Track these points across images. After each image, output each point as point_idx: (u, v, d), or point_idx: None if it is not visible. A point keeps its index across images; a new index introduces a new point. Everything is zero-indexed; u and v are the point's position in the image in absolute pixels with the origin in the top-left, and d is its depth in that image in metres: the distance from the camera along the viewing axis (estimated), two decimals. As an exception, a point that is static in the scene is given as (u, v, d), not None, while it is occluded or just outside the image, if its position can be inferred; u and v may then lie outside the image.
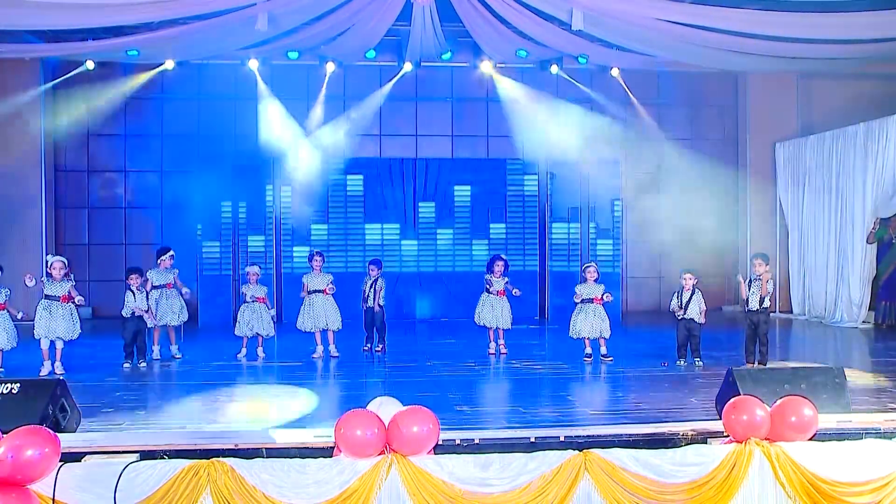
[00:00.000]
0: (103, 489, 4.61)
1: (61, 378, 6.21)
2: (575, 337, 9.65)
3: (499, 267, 10.23)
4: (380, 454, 4.78)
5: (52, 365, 8.77)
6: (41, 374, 8.58)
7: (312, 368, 9.35)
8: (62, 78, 14.70)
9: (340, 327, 10.04)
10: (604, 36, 13.25)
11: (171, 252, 10.15)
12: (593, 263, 9.89)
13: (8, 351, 8.68)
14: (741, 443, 5.09)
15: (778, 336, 12.56)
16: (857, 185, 13.54)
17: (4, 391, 5.39)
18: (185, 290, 10.13)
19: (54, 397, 5.46)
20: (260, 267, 10.37)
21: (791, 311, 15.32)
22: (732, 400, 5.31)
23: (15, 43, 13.20)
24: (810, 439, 5.16)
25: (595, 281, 9.65)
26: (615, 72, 15.66)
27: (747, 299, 8.93)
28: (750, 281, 9.01)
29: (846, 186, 13.89)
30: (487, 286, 10.20)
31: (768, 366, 8.66)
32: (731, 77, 16.17)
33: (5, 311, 8.58)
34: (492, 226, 15.27)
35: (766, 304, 8.87)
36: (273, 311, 10.16)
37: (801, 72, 15.37)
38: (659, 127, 16.28)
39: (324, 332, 9.97)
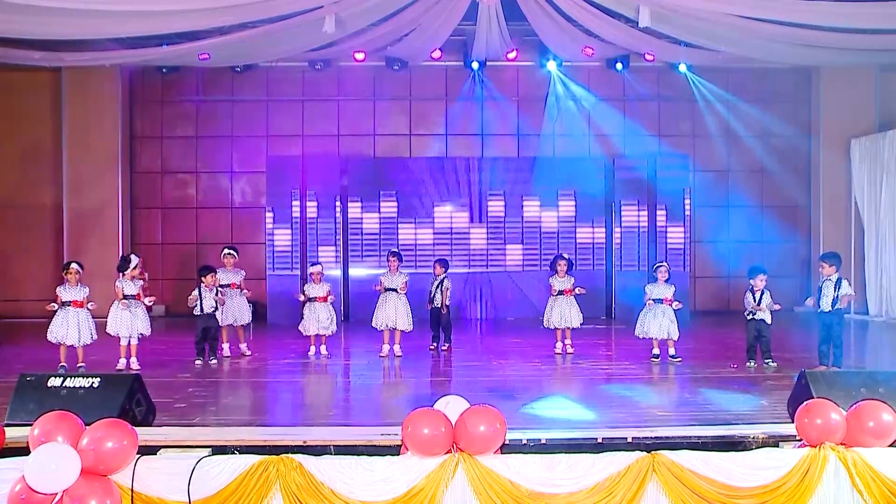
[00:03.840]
0: (178, 482, 4.74)
1: (137, 373, 6.41)
2: (641, 336, 9.53)
3: (561, 266, 10.17)
4: (447, 453, 4.80)
5: (128, 360, 9.06)
6: (117, 369, 8.86)
7: (379, 367, 9.44)
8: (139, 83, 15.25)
9: (410, 329, 10.07)
10: (671, 32, 13.04)
11: (227, 251, 10.36)
12: (664, 263, 9.75)
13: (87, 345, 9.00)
14: (815, 447, 4.95)
15: (853, 338, 12.18)
16: (939, 182, 13.06)
17: (86, 385, 5.60)
18: (245, 291, 10.34)
19: (131, 392, 5.64)
20: (322, 266, 10.50)
21: (867, 313, 14.83)
22: (806, 403, 5.17)
23: (96, 51, 13.68)
24: (890, 446, 5.00)
25: (665, 281, 9.52)
26: (683, 68, 15.44)
27: (820, 300, 8.70)
28: (822, 282, 8.78)
29: (927, 183, 13.42)
30: (552, 290, 10.17)
31: (843, 369, 8.41)
32: (804, 71, 15.75)
33: (85, 308, 8.89)
34: (553, 223, 15.19)
35: (839, 305, 8.62)
36: (330, 310, 10.17)
37: (881, 64, 14.86)
38: (728, 123, 15.99)
39: (392, 331, 10.05)
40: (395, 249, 10.42)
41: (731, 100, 15.89)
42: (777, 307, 9.11)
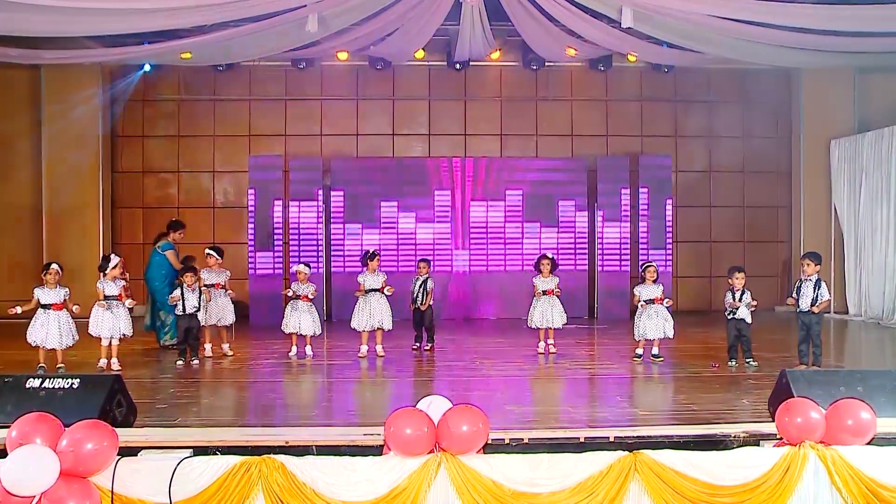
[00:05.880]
0: (159, 483, 4.70)
1: (118, 374, 6.36)
2: (640, 339, 9.50)
3: (545, 266, 10.19)
4: (429, 453, 4.80)
5: (109, 361, 8.98)
6: (98, 369, 8.79)
7: (361, 367, 9.42)
8: (119, 81, 15.15)
9: (392, 328, 10.08)
10: (654, 33, 13.10)
11: (207, 251, 10.31)
12: (653, 264, 9.72)
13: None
14: (795, 445, 4.99)
15: (833, 337, 12.30)
16: (917, 183, 13.21)
17: (66, 385, 5.54)
18: (230, 291, 10.29)
19: (112, 392, 5.59)
20: (308, 266, 10.45)
21: (847, 312, 14.97)
22: (786, 402, 5.21)
23: (75, 49, 13.57)
24: (868, 443, 5.05)
25: (654, 282, 9.54)
26: (665, 69, 15.52)
27: (798, 300, 8.76)
28: (801, 281, 8.84)
29: (905, 184, 13.57)
30: (535, 290, 10.18)
31: (822, 368, 8.48)
32: (785, 73, 15.87)
33: (64, 310, 8.80)
34: (542, 225, 15.20)
35: (817, 309, 8.67)
36: (313, 310, 10.09)
37: (860, 66, 15.00)
38: (710, 125, 16.10)
39: (373, 331, 10.02)
40: (374, 250, 10.36)
41: (714, 101, 16.01)
42: (754, 304, 9.15)
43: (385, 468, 4.76)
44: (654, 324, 9.39)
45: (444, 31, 13.75)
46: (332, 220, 14.93)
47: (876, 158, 14.31)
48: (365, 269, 10.08)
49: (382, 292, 9.95)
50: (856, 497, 4.86)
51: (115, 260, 9.19)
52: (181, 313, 9.47)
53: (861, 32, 12.35)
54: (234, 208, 15.68)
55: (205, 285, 9.92)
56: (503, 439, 5.27)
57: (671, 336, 9.46)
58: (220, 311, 10.13)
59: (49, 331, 8.64)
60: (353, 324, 10.00)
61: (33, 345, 8.70)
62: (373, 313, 9.89)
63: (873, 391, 5.64)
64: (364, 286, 9.98)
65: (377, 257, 10.13)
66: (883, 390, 5.72)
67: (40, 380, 5.63)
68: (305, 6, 11.45)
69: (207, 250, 10.34)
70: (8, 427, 4.65)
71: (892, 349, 11.43)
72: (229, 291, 10.25)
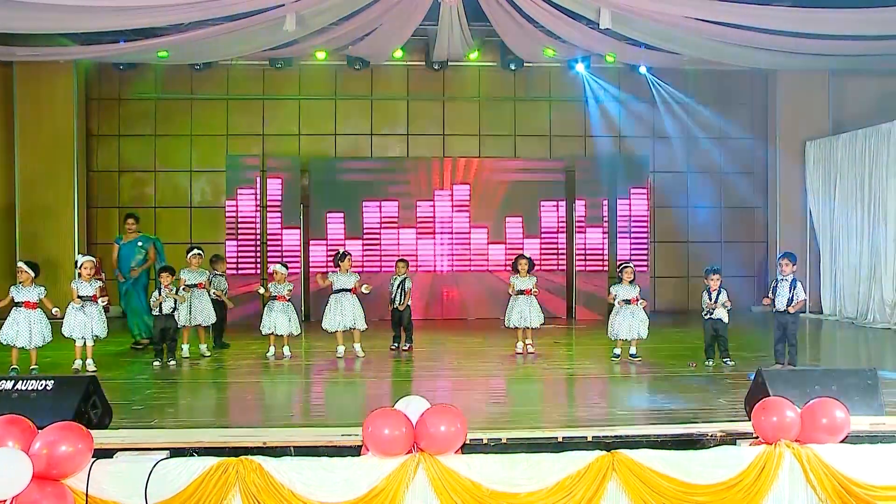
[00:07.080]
0: (135, 485, 4.66)
1: (93, 375, 6.29)
2: (613, 338, 9.55)
3: (522, 266, 10.21)
4: (407, 453, 4.79)
5: (84, 362, 8.89)
6: (73, 370, 8.69)
7: (340, 367, 9.39)
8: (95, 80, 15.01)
9: (366, 327, 10.06)
10: (632, 34, 13.16)
11: (195, 251, 10.27)
12: (630, 265, 9.76)
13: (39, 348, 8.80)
14: (771, 444, 5.03)
15: (808, 337, 12.42)
16: (890, 184, 13.33)
17: (39, 387, 5.46)
18: (213, 291, 10.24)
19: (87, 394, 5.52)
20: (286, 266, 10.39)
21: (822, 312, 15.12)
22: (762, 401, 5.25)
23: (49, 46, 13.42)
24: (842, 441, 5.10)
25: (630, 282, 9.57)
26: (643, 70, 15.61)
27: (775, 300, 8.84)
28: (776, 281, 8.92)
29: (878, 185, 13.69)
30: (511, 289, 10.20)
31: (798, 367, 8.56)
32: (761, 74, 16.01)
33: (39, 309, 8.70)
34: (515, 223, 15.23)
35: (793, 308, 8.74)
36: (291, 311, 10.04)
37: (834, 69, 15.17)
38: (687, 125, 16.19)
39: (347, 331, 9.98)
40: (344, 250, 10.32)
41: (691, 102, 16.11)
42: (728, 304, 9.21)
43: (363, 469, 4.75)
44: (629, 324, 9.44)
45: (422, 31, 13.74)
46: (309, 220, 14.87)
47: (850, 160, 14.46)
48: (337, 269, 10.05)
49: (356, 293, 9.93)
50: (830, 495, 4.91)
51: (81, 260, 9.10)
52: (157, 313, 9.39)
53: (836, 35, 12.48)
54: (212, 208, 15.57)
55: (187, 285, 9.86)
56: (481, 439, 5.26)
57: (644, 337, 9.52)
58: (204, 312, 10.08)
59: (20, 329, 8.55)
60: (325, 325, 9.97)
61: (4, 343, 8.60)
62: (344, 313, 9.86)
63: (847, 390, 5.69)
64: (334, 285, 9.94)
65: (348, 257, 10.10)
66: (857, 389, 5.77)
67: (13, 381, 5.53)
68: (283, 5, 11.39)
69: (197, 250, 10.30)
70: (-21, 430, 4.58)
71: (867, 348, 11.57)
72: (213, 292, 10.21)
